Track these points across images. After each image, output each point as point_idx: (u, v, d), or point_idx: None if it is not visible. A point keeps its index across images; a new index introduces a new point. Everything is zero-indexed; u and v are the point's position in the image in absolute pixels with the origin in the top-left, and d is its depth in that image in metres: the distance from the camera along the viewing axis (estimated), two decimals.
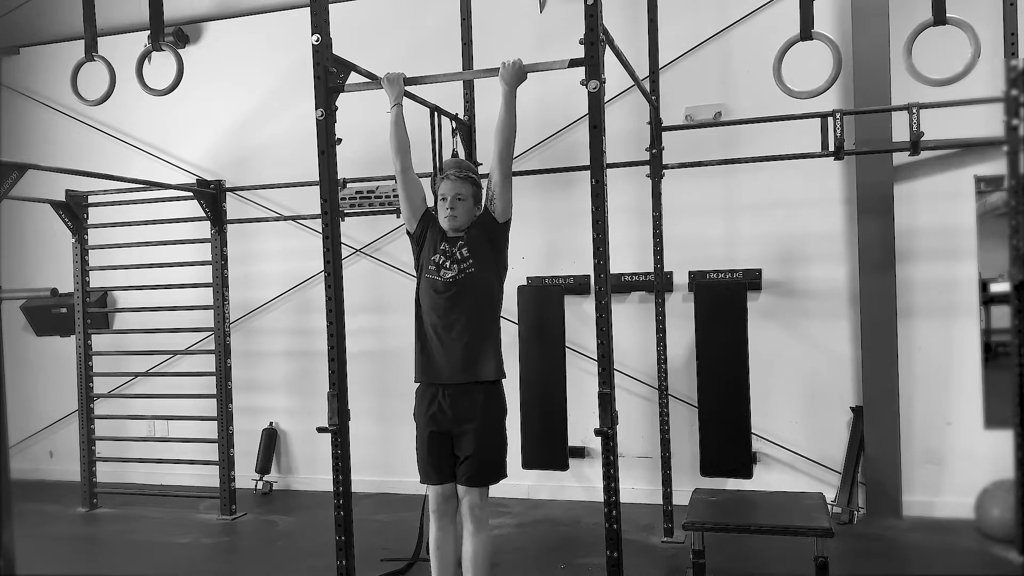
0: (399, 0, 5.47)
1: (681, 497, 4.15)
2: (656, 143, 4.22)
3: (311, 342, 5.53)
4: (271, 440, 5.68)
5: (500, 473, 3.39)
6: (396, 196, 4.74)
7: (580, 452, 4.97)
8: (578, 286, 4.97)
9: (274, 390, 5.76)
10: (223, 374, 4.99)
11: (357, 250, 5.48)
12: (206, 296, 5.10)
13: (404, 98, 3.33)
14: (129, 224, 5.17)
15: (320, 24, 2.90)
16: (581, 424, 4.57)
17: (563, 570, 3.89)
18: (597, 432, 2.65)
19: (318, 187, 2.94)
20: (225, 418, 4.98)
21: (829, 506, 3.85)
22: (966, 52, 3.54)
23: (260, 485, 5.59)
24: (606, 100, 2.72)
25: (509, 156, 3.18)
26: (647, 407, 4.86)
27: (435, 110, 4.03)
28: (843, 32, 4.52)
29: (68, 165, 4.79)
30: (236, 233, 5.42)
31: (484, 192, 3.32)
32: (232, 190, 5.25)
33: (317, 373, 5.44)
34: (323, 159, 2.91)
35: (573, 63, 2.76)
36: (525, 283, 4.96)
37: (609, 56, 2.80)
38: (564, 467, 4.48)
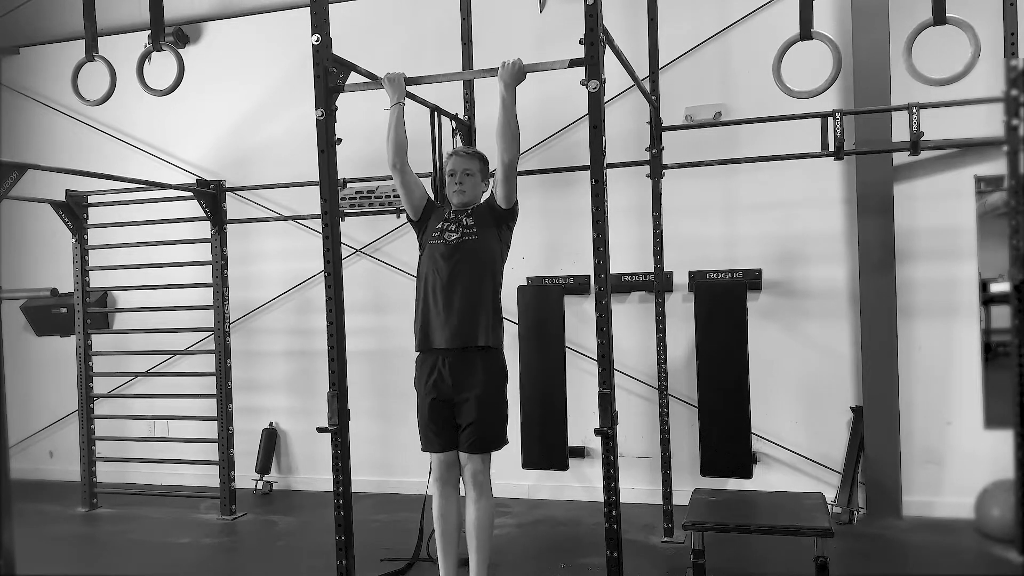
0: (399, 0, 5.47)
1: (681, 497, 4.16)
2: (656, 143, 4.22)
3: (311, 342, 5.53)
4: (271, 440, 5.68)
5: (501, 440, 3.40)
6: (396, 196, 4.76)
7: (580, 452, 4.97)
8: (578, 286, 4.97)
9: (274, 390, 5.76)
10: (223, 374, 4.99)
11: (357, 250, 5.48)
12: (206, 296, 5.10)
13: (405, 97, 3.34)
14: (129, 224, 5.17)
15: (320, 24, 2.90)
16: (581, 424, 4.57)
17: (563, 570, 3.89)
18: (597, 432, 2.65)
19: (318, 187, 2.94)
20: (225, 418, 4.99)
21: (829, 506, 3.85)
22: (966, 52, 3.54)
23: (260, 485, 5.59)
24: (606, 100, 2.72)
25: (512, 157, 3.20)
26: (647, 407, 4.86)
27: (435, 110, 4.03)
28: (843, 32, 4.52)
29: (68, 165, 4.79)
30: (236, 233, 5.42)
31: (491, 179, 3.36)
32: (232, 190, 5.25)
33: (317, 373, 5.44)
34: (323, 159, 2.91)
35: (573, 63, 2.76)
36: (525, 283, 4.96)
37: (609, 56, 2.80)
38: (564, 467, 4.48)
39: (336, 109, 2.96)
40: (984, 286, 4.51)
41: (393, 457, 5.39)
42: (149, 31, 4.24)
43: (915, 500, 4.48)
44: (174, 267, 5.21)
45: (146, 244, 5.23)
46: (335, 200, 2.95)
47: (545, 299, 4.50)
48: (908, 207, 4.51)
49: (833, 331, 4.69)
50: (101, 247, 5.28)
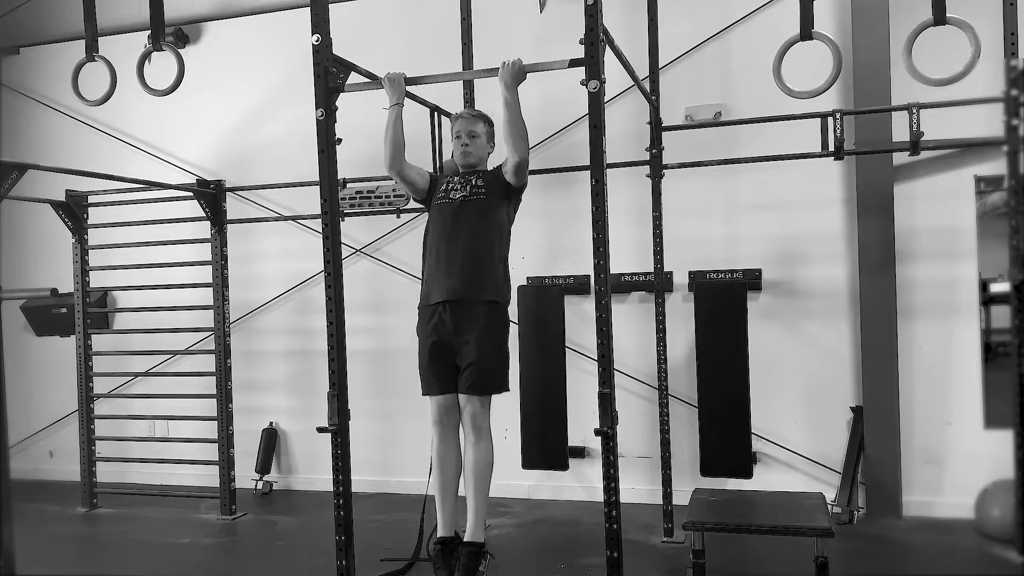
0: (399, 0, 5.47)
1: (681, 497, 4.16)
2: (656, 143, 4.22)
3: (311, 342, 5.52)
4: (271, 440, 5.68)
5: (502, 383, 3.41)
6: (397, 196, 4.76)
7: (580, 452, 4.97)
8: (578, 286, 4.97)
9: (274, 390, 5.76)
10: (223, 374, 4.99)
11: (357, 250, 5.48)
12: (206, 296, 5.10)
13: (404, 98, 3.35)
14: (129, 224, 5.17)
15: (320, 24, 2.90)
16: (581, 424, 4.57)
17: (563, 570, 3.89)
18: (597, 432, 2.65)
19: (318, 187, 2.94)
20: (225, 418, 4.98)
21: (829, 506, 3.85)
22: (966, 52, 3.54)
23: (260, 485, 5.59)
24: (606, 100, 2.72)
25: (522, 157, 3.25)
26: (647, 407, 4.86)
27: (435, 110, 4.04)
28: (843, 32, 4.52)
29: (68, 165, 4.80)
30: (236, 233, 5.42)
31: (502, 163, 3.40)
32: (232, 190, 5.25)
33: (317, 373, 5.44)
34: (323, 159, 2.91)
35: (573, 63, 2.76)
36: (525, 283, 4.96)
37: (609, 56, 2.80)
38: (564, 467, 4.48)
39: (336, 109, 2.96)
40: (984, 286, 4.51)
41: (393, 457, 5.39)
42: (149, 31, 4.24)
43: (915, 500, 4.48)
44: (174, 267, 5.21)
45: (146, 244, 5.23)
46: (335, 200, 2.95)
47: (545, 299, 4.50)
48: (908, 207, 4.51)
49: (833, 331, 4.69)
50: (101, 247, 5.28)
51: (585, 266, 4.94)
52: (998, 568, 3.77)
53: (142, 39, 4.30)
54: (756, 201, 4.79)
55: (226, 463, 4.97)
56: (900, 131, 4.22)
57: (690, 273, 4.82)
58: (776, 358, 4.70)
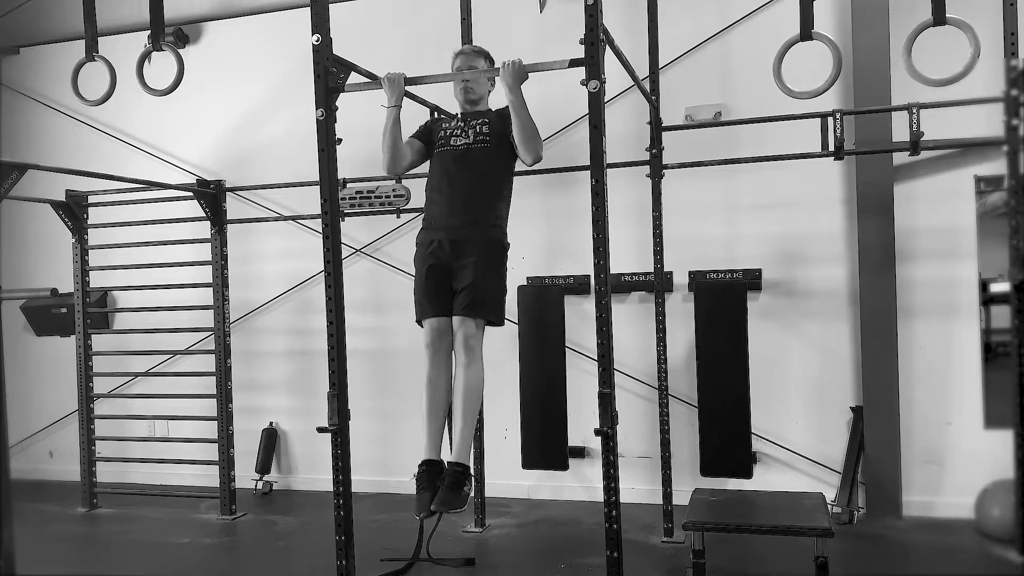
0: (399, 0, 5.47)
1: (681, 497, 4.16)
2: (656, 143, 4.22)
3: (311, 342, 5.52)
4: (271, 440, 5.68)
5: (498, 312, 3.34)
6: (396, 196, 4.76)
7: (580, 452, 4.97)
8: (578, 286, 4.97)
9: (274, 390, 5.76)
10: (223, 374, 4.99)
11: (357, 250, 5.48)
12: (206, 296, 5.10)
13: (404, 99, 3.34)
14: (129, 224, 5.17)
15: (320, 24, 2.90)
16: (581, 424, 4.57)
17: (563, 570, 3.89)
18: (597, 432, 2.65)
19: (318, 187, 2.94)
20: (225, 418, 4.98)
21: (829, 506, 3.85)
22: (966, 52, 3.54)
23: (260, 485, 5.59)
24: (606, 100, 2.72)
25: (535, 156, 3.25)
26: (647, 407, 4.86)
27: (435, 110, 4.04)
28: (843, 32, 4.52)
29: (68, 165, 4.80)
30: (236, 233, 5.42)
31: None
32: (232, 190, 5.25)
33: (317, 373, 5.44)
34: (323, 159, 2.91)
35: (573, 63, 2.76)
36: (525, 283, 4.96)
37: (609, 56, 2.80)
38: (564, 467, 4.48)
39: (336, 109, 2.96)
40: (984, 286, 4.51)
41: (393, 457, 5.39)
42: (149, 31, 4.24)
43: (915, 500, 4.48)
44: (174, 267, 5.21)
45: (146, 244, 5.23)
46: (335, 200, 2.95)
47: (545, 299, 4.50)
48: (908, 207, 4.51)
49: (833, 331, 4.68)
50: (101, 247, 5.28)
51: (585, 266, 4.94)
52: (998, 568, 3.77)
53: (142, 39, 4.30)
54: (756, 201, 4.79)
55: (226, 463, 4.97)
56: (900, 131, 4.22)
57: (690, 273, 4.82)
58: (776, 358, 4.70)
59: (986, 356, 4.48)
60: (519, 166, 3.45)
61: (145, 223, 5.14)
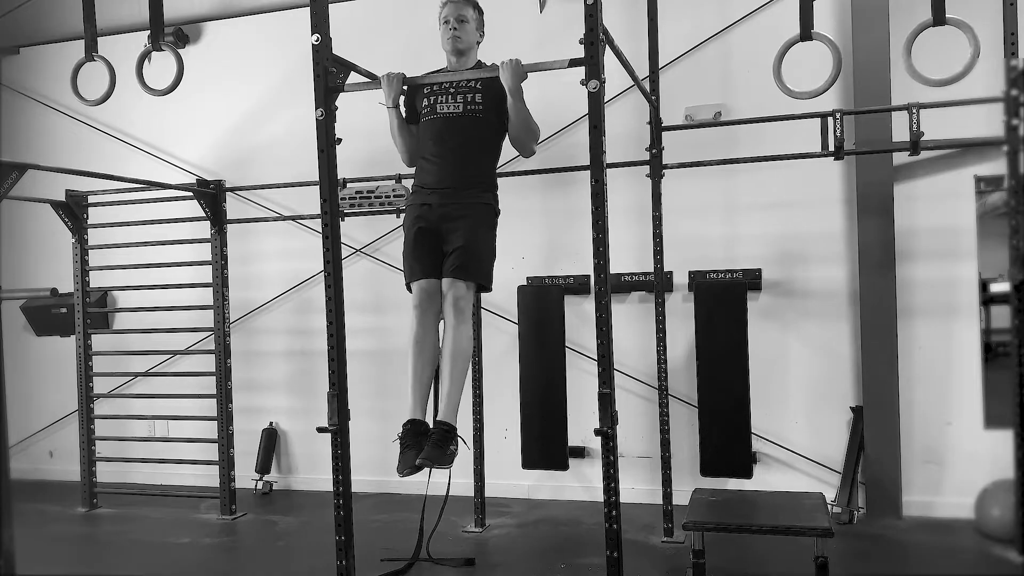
0: (399, 0, 5.47)
1: (681, 497, 4.16)
2: (656, 143, 4.22)
3: (311, 342, 5.52)
4: (271, 440, 5.68)
5: (487, 275, 3.30)
6: (396, 196, 4.76)
7: (580, 452, 4.97)
8: (578, 286, 4.97)
9: (274, 390, 5.76)
10: (223, 374, 4.99)
11: (357, 250, 5.48)
12: (206, 296, 5.10)
13: (400, 99, 3.34)
14: (129, 224, 5.17)
15: (320, 24, 2.90)
16: (581, 424, 4.57)
17: (563, 570, 3.89)
18: (597, 432, 2.65)
19: (318, 187, 2.94)
20: (225, 418, 4.98)
21: (829, 506, 3.85)
22: (966, 52, 3.54)
23: (260, 485, 5.59)
24: (606, 100, 2.72)
25: (531, 153, 3.23)
26: (647, 407, 4.86)
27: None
28: (843, 32, 4.52)
29: (68, 165, 4.79)
30: (236, 233, 5.42)
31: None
32: (232, 190, 5.25)
33: (317, 373, 5.44)
34: (323, 159, 2.91)
35: (573, 63, 2.75)
36: (525, 283, 4.96)
37: (609, 56, 2.80)
38: (564, 467, 4.48)
39: (336, 109, 2.96)
40: (984, 286, 4.51)
41: (393, 457, 5.29)
42: (149, 31, 4.24)
43: (915, 500, 4.48)
44: (174, 267, 5.21)
45: (146, 244, 5.23)
46: (335, 200, 2.95)
47: (545, 299, 4.50)
48: (908, 207, 4.51)
49: (833, 331, 4.68)
50: (101, 247, 5.28)
51: (585, 266, 4.93)
52: (998, 568, 3.77)
53: (142, 39, 4.29)
54: (756, 201, 4.79)
55: (226, 463, 4.97)
56: (900, 131, 4.21)
57: (690, 273, 4.82)
58: (776, 358, 4.70)
59: (986, 356, 4.48)
60: (518, 166, 3.45)
61: (145, 223, 5.14)
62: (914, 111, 3.88)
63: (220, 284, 5.00)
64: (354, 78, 3.11)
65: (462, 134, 3.30)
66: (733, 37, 4.84)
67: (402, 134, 3.35)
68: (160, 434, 5.59)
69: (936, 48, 3.67)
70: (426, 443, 3.11)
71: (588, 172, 2.68)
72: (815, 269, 4.71)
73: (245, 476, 5.51)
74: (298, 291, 5.65)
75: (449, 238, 3.23)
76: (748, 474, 4.23)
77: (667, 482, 4.26)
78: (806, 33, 3.74)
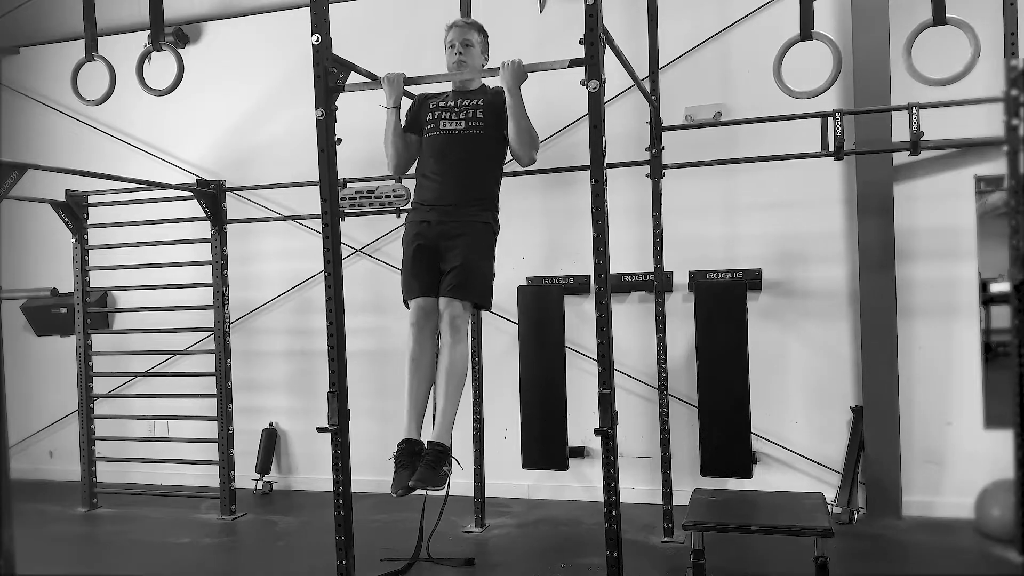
0: (399, 0, 5.47)
1: (681, 497, 4.16)
2: (656, 143, 4.22)
3: (311, 342, 5.53)
4: (271, 440, 5.68)
5: (486, 294, 3.31)
6: (396, 196, 4.74)
7: (580, 452, 4.97)
8: (578, 286, 4.97)
9: (274, 390, 5.76)
10: (223, 374, 4.99)
11: (357, 250, 5.48)
12: (206, 296, 5.10)
13: (404, 98, 3.34)
14: (129, 224, 5.17)
15: (320, 24, 2.90)
16: (581, 424, 4.57)
17: (563, 570, 3.89)
18: (597, 432, 2.65)
19: (318, 187, 2.94)
20: (225, 418, 4.98)
21: (829, 506, 3.85)
22: (966, 52, 3.54)
23: (260, 485, 5.59)
24: (606, 100, 2.72)
25: (531, 159, 3.23)
26: (647, 407, 4.86)
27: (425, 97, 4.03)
28: (843, 32, 4.52)
29: (68, 165, 4.79)
30: (236, 233, 5.42)
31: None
32: (232, 190, 5.25)
33: (317, 373, 5.44)
34: (323, 159, 2.91)
35: (573, 63, 2.76)
36: (525, 283, 4.96)
37: (609, 56, 2.80)
38: (564, 467, 4.48)
39: (336, 109, 2.96)
40: (984, 286, 4.51)
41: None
42: (149, 31, 4.24)
43: (915, 500, 4.48)
44: (174, 267, 5.21)
45: (146, 244, 5.23)
46: (335, 200, 2.95)
47: (545, 299, 4.50)
48: (908, 207, 4.51)
49: (833, 331, 4.68)
50: (101, 247, 5.28)
51: (585, 266, 4.94)
52: (998, 568, 3.77)
53: (142, 39, 4.30)
54: (756, 201, 4.79)
55: (226, 463, 4.97)
56: (900, 131, 4.21)
57: (690, 273, 4.82)
58: (776, 358, 4.70)
59: (986, 356, 4.48)
60: (518, 167, 3.45)
61: (145, 223, 5.14)
62: (914, 111, 3.88)
63: (220, 284, 5.00)
64: (354, 78, 3.11)
65: (463, 151, 3.31)
66: (733, 37, 4.84)
67: (395, 138, 3.34)
68: (160, 434, 5.59)
69: (936, 48, 3.67)
70: (420, 463, 3.12)
71: (588, 172, 2.68)
72: (815, 269, 4.71)
73: (245, 476, 5.51)
74: (298, 291, 5.65)
75: (447, 256, 3.23)
76: (748, 474, 4.23)
77: (667, 482, 4.26)
78: (806, 33, 3.74)
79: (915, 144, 3.92)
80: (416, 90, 3.67)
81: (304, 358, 5.62)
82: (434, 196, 3.30)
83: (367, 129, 3.98)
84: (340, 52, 3.00)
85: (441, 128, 3.33)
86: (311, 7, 2.90)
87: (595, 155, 2.66)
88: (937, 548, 4.05)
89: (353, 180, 4.85)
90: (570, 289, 4.88)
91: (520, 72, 3.06)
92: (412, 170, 3.52)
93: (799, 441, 4.73)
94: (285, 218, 5.49)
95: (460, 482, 4.17)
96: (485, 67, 3.49)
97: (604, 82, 2.66)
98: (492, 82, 3.27)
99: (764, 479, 4.65)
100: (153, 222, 5.16)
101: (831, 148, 4.00)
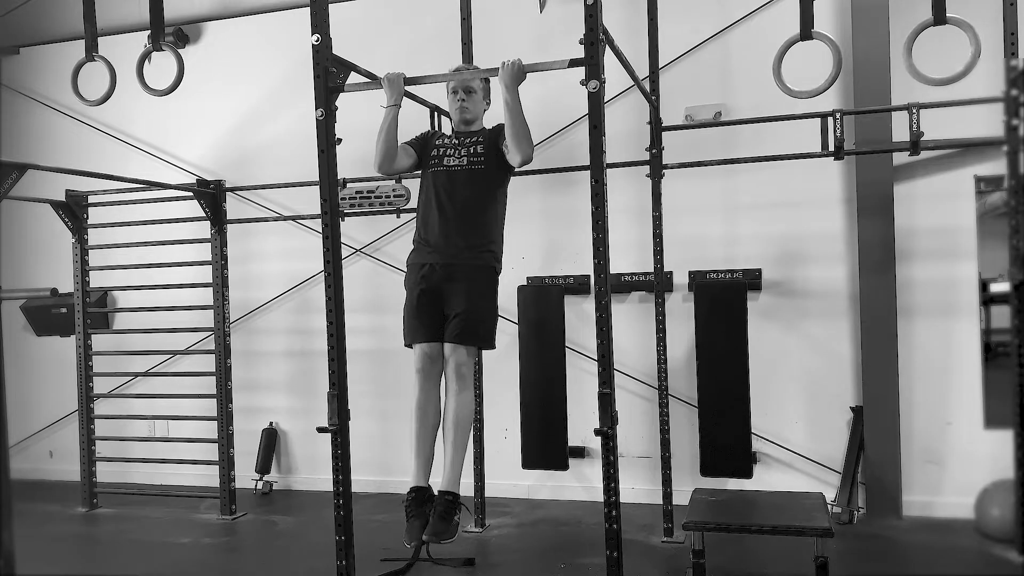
0: (399, 0, 5.47)
1: (681, 497, 4.16)
2: (656, 143, 4.22)
3: (311, 342, 5.52)
4: (271, 440, 5.68)
5: (489, 338, 3.35)
6: (396, 196, 4.76)
7: (580, 452, 4.97)
8: (578, 286, 4.97)
9: (274, 390, 5.76)
10: (223, 374, 4.99)
11: (357, 250, 5.48)
12: (206, 296, 5.10)
13: (404, 98, 3.35)
14: (129, 224, 5.17)
15: (320, 24, 2.90)
16: (581, 424, 4.57)
17: (563, 570, 3.89)
18: (597, 432, 2.65)
19: (318, 187, 2.94)
20: (225, 418, 4.98)
21: (829, 506, 3.85)
22: (966, 52, 3.54)
23: (260, 485, 5.59)
24: (606, 100, 2.72)
25: (524, 157, 3.24)
26: (647, 407, 4.86)
27: (435, 110, 4.04)
28: (843, 32, 4.52)
29: (68, 165, 4.79)
30: (236, 233, 5.42)
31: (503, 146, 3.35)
32: (232, 190, 5.25)
33: (317, 373, 5.44)
34: (323, 159, 2.91)
35: (573, 63, 2.76)
36: (525, 283, 4.96)
37: (609, 56, 2.80)
38: (564, 467, 4.48)
39: (336, 109, 2.96)
40: (984, 286, 4.51)
41: (393, 457, 5.39)
42: (149, 31, 4.24)
43: (915, 500, 4.48)
44: (174, 267, 5.21)
45: (146, 244, 5.23)
46: (335, 200, 2.95)
47: (545, 299, 4.51)
48: (908, 207, 4.51)
49: (833, 331, 4.68)
50: (101, 247, 5.28)
51: (585, 266, 4.93)
52: (998, 568, 3.77)
53: (142, 39, 4.30)
54: (756, 201, 4.79)
55: (226, 463, 4.97)
56: (900, 131, 4.22)
57: (690, 273, 4.82)
58: (776, 358, 4.70)
59: (986, 356, 4.48)
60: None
61: (145, 223, 5.14)
62: (914, 111, 3.88)
63: (220, 284, 5.00)
64: (354, 78, 3.11)
65: (466, 188, 3.35)
66: (733, 37, 4.84)
67: (390, 134, 3.34)
68: (160, 434, 5.60)
69: (936, 48, 3.68)
70: (431, 513, 3.16)
71: (588, 172, 2.68)
72: (815, 269, 4.71)
73: (245, 476, 5.51)
74: (298, 291, 5.65)
75: (451, 301, 3.28)
76: (748, 474, 4.23)
77: (667, 482, 4.26)
78: (806, 33, 3.74)
79: (915, 144, 3.92)
80: (416, 90, 3.68)
81: (304, 358, 5.62)
82: (436, 239, 3.34)
83: (367, 129, 3.96)
84: (340, 52, 3.00)
85: (444, 164, 3.39)
86: (311, 7, 2.90)
87: (595, 155, 2.66)
88: (937, 548, 4.05)
89: (353, 180, 4.86)
90: (570, 289, 4.88)
91: (519, 72, 3.07)
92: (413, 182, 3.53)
93: (799, 441, 4.73)
94: (285, 218, 5.49)
95: (460, 482, 4.16)
96: (486, 112, 3.54)
97: (604, 82, 2.66)
98: (491, 82, 3.28)
99: (764, 479, 4.65)
100: (153, 222, 5.16)
101: (831, 148, 4.00)
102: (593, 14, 2.64)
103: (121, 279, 5.55)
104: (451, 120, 3.56)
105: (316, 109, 2.91)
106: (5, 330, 5.46)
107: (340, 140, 2.96)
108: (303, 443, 5.71)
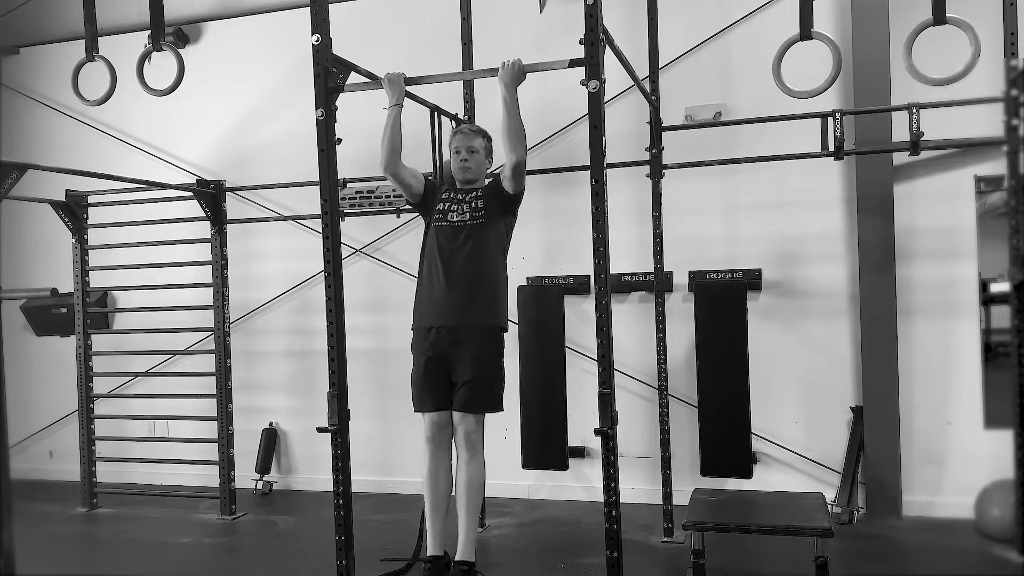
0: (399, 0, 5.47)
1: (681, 497, 4.16)
2: (656, 143, 4.22)
3: (311, 342, 5.52)
4: (271, 440, 5.68)
5: (497, 403, 3.41)
6: (396, 196, 4.77)
7: (580, 452, 4.97)
8: (578, 286, 4.97)
9: (274, 390, 5.76)
10: (223, 374, 4.99)
11: (357, 250, 5.48)
12: (206, 296, 5.10)
13: (404, 98, 3.36)
14: (129, 224, 5.17)
15: (320, 24, 2.90)
16: (581, 424, 4.57)
17: (563, 570, 3.89)
18: (597, 432, 2.65)
19: (318, 187, 2.94)
20: (225, 418, 4.98)
21: (829, 506, 3.85)
22: (966, 52, 3.54)
23: (260, 485, 5.59)
24: (606, 100, 2.72)
25: (519, 157, 3.24)
26: (647, 407, 4.86)
27: (435, 110, 4.04)
28: (843, 32, 4.52)
29: (68, 165, 4.79)
30: (236, 233, 5.42)
31: (501, 166, 3.41)
32: (232, 190, 5.25)
33: (317, 373, 5.44)
34: (323, 159, 2.91)
35: (573, 63, 2.76)
36: (525, 283, 4.96)
37: (609, 56, 2.80)
38: (564, 467, 4.48)
39: (336, 109, 2.96)
40: (984, 286, 4.51)
41: (393, 457, 5.39)
42: (149, 31, 4.24)
43: (915, 500, 4.48)
44: (174, 267, 5.21)
45: (146, 244, 5.23)
46: (335, 200, 2.95)
47: (545, 299, 4.51)
48: (908, 207, 4.51)
49: (833, 331, 4.68)
50: (101, 247, 5.28)
51: (585, 266, 4.93)
52: (998, 568, 3.77)
53: (142, 39, 4.30)
54: (756, 201, 4.79)
55: (226, 463, 4.97)
56: (900, 131, 4.22)
57: (690, 273, 4.82)
58: (776, 358, 4.70)
59: (986, 356, 4.48)
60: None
61: (145, 223, 5.14)
62: (914, 111, 3.88)
63: (220, 284, 5.00)
64: (354, 78, 3.11)
65: (466, 249, 3.38)
66: (733, 37, 4.84)
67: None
68: (160, 434, 5.60)
69: (936, 48, 3.68)
70: None
71: (588, 172, 2.68)
72: (815, 269, 4.71)
73: (245, 476, 5.51)
74: (298, 291, 5.65)
75: (457, 368, 3.33)
76: (748, 474, 4.23)
77: (667, 482, 4.26)
78: (806, 33, 3.75)
79: (915, 144, 3.92)
80: (417, 90, 3.68)
81: (304, 358, 5.62)
82: (441, 303, 3.36)
83: (367, 129, 3.98)
84: (340, 52, 3.00)
85: (448, 219, 3.43)
86: (311, 7, 2.90)
87: (595, 155, 2.66)
88: (937, 548, 4.05)
89: (353, 180, 4.86)
90: (570, 289, 4.88)
91: (519, 72, 3.08)
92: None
93: (799, 441, 4.73)
94: (285, 218, 5.49)
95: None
96: (488, 170, 3.60)
97: (604, 82, 2.66)
98: (491, 82, 3.27)
99: (764, 479, 4.65)
100: (153, 222, 5.16)
101: (831, 148, 4.00)
102: (593, 14, 2.64)
103: (121, 279, 5.55)
104: (454, 176, 3.59)
105: (316, 109, 2.91)
106: (5, 330, 5.46)
107: (340, 140, 2.96)
108: (303, 443, 5.71)
